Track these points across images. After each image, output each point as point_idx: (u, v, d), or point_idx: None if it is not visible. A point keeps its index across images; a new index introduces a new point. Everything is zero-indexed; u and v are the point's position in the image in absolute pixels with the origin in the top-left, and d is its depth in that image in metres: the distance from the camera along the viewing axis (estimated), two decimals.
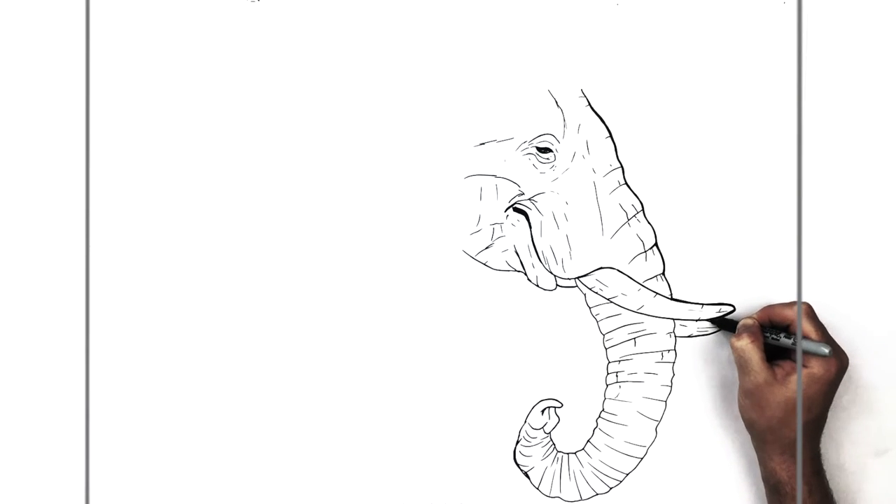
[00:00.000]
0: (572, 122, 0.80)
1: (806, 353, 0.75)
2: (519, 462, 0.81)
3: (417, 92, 0.79)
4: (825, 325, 0.77)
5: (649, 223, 0.81)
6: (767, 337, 0.77)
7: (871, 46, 0.81)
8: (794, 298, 0.80)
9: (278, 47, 0.79)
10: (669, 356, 0.81)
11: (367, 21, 0.79)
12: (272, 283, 0.80)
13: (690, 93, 0.80)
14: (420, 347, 0.80)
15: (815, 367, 0.74)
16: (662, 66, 0.80)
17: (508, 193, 0.80)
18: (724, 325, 0.80)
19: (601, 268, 0.80)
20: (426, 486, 0.81)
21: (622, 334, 0.81)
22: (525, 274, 0.80)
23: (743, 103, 0.81)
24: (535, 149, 0.80)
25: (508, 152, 0.80)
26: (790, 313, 0.77)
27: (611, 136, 0.80)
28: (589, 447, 0.81)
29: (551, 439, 0.81)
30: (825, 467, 0.77)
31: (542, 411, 0.81)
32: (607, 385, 0.81)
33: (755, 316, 0.78)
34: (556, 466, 0.81)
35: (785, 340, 0.76)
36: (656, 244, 0.81)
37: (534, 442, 0.81)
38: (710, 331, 0.81)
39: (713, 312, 0.80)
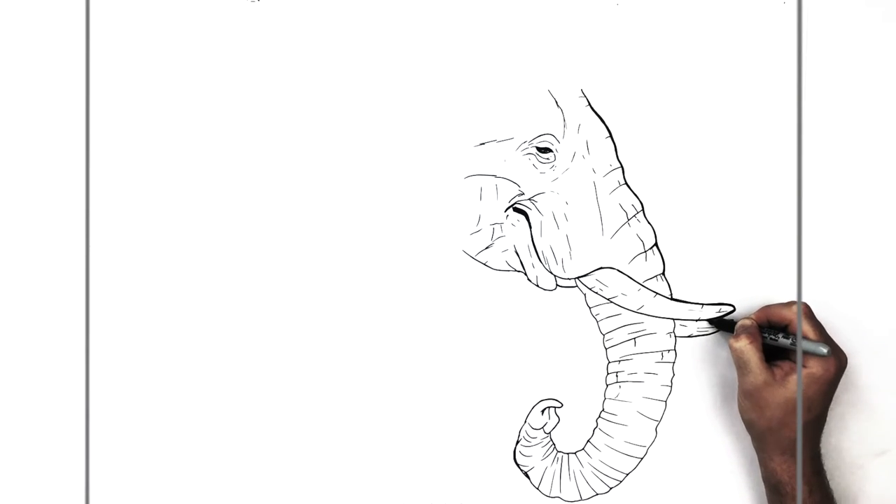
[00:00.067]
0: (572, 122, 0.80)
1: (805, 353, 0.75)
2: (519, 462, 0.81)
3: (417, 92, 0.79)
4: (824, 325, 0.77)
5: (649, 223, 0.81)
6: (766, 337, 0.77)
7: (871, 46, 0.81)
8: (794, 298, 0.80)
9: (278, 47, 0.79)
10: (669, 356, 0.81)
11: (367, 21, 0.79)
12: (272, 283, 0.80)
13: (690, 93, 0.80)
14: (420, 347, 0.80)
15: (814, 367, 0.74)
16: (662, 66, 0.80)
17: (508, 193, 0.80)
18: (723, 325, 0.80)
19: (601, 268, 0.80)
20: (426, 486, 0.81)
21: (622, 334, 0.81)
22: (525, 274, 0.80)
23: (743, 103, 0.81)
24: (535, 149, 0.80)
25: (508, 152, 0.80)
26: (788, 313, 0.77)
27: (611, 136, 0.80)
28: (589, 447, 0.81)
29: (551, 439, 0.81)
30: (825, 467, 0.77)
31: (542, 411, 0.81)
32: (607, 385, 0.81)
33: (753, 316, 0.78)
34: (556, 466, 0.81)
35: (783, 341, 0.76)
36: (656, 244, 0.81)
37: (534, 442, 0.81)
38: (710, 331, 0.81)
39: (713, 312, 0.80)
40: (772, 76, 0.81)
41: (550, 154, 0.80)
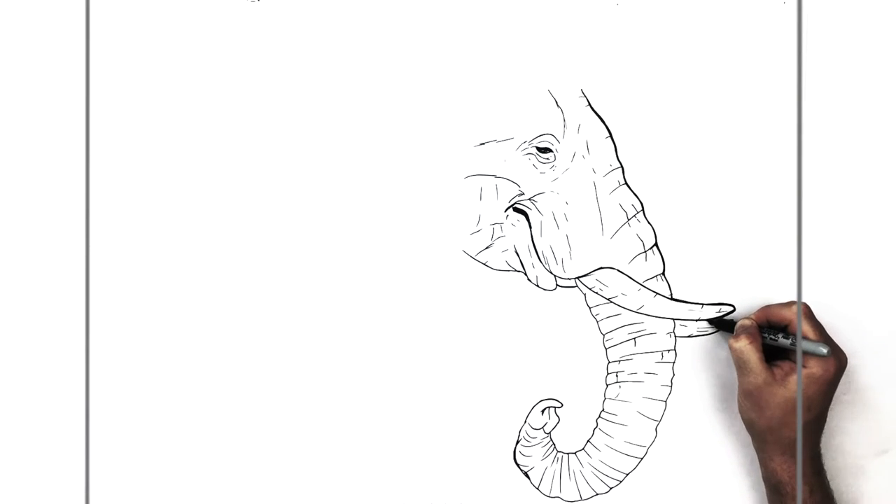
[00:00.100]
0: (572, 122, 0.80)
1: (805, 353, 0.75)
2: (519, 462, 0.81)
3: (417, 92, 0.79)
4: (824, 325, 0.77)
5: (649, 223, 0.81)
6: (766, 337, 0.77)
7: (871, 46, 0.81)
8: (793, 298, 0.80)
9: (278, 47, 0.79)
10: (669, 356, 0.81)
11: (367, 21, 0.79)
12: (272, 284, 0.80)
13: (690, 93, 0.80)
14: (420, 347, 0.80)
15: (814, 367, 0.74)
16: (662, 66, 0.80)
17: (508, 193, 0.80)
18: (723, 325, 0.80)
19: (601, 268, 0.80)
20: (426, 486, 0.81)
21: (622, 334, 0.81)
22: (525, 274, 0.80)
23: (743, 103, 0.81)
24: (535, 149, 0.80)
25: (508, 152, 0.80)
26: (788, 313, 0.77)
27: (611, 136, 0.80)
28: (589, 447, 0.81)
29: (551, 439, 0.81)
30: (825, 467, 0.77)
31: (542, 411, 0.81)
32: (607, 385, 0.81)
33: (753, 316, 0.78)
34: (556, 466, 0.81)
35: (783, 341, 0.76)
36: (656, 244, 0.81)
37: (534, 442, 0.81)
38: (710, 331, 0.81)
39: (713, 312, 0.80)
40: (772, 76, 0.81)
41: (550, 154, 0.80)
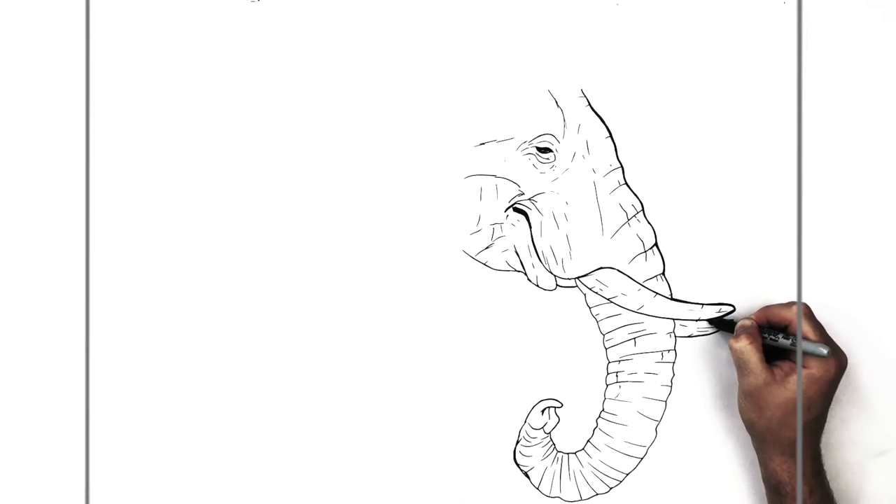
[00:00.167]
0: (572, 122, 0.80)
1: (805, 353, 0.75)
2: (519, 462, 0.81)
3: (418, 92, 0.79)
4: (824, 326, 0.77)
5: (649, 223, 0.81)
6: (766, 338, 0.77)
7: (871, 46, 0.81)
8: (794, 298, 0.80)
9: (278, 47, 0.79)
10: (669, 356, 0.81)
11: (367, 21, 0.79)
12: (272, 284, 0.80)
13: (690, 93, 0.80)
14: (420, 348, 0.80)
15: (814, 368, 0.74)
16: (662, 66, 0.80)
17: (508, 193, 0.80)
18: (723, 325, 0.80)
19: (601, 268, 0.80)
20: (426, 486, 0.81)
21: (622, 334, 0.81)
22: (525, 274, 0.80)
23: (743, 103, 0.81)
24: (535, 149, 0.80)
25: (508, 152, 0.80)
26: (788, 314, 0.77)
27: (611, 136, 0.80)
28: (589, 447, 0.81)
29: (551, 439, 0.81)
30: (825, 467, 0.77)
31: (542, 411, 0.81)
32: (607, 385, 0.81)
33: (753, 316, 0.78)
34: (556, 466, 0.81)
35: (783, 341, 0.76)
36: (656, 244, 0.81)
37: (534, 442, 0.81)
38: (710, 331, 0.81)
39: (713, 312, 0.80)
40: (772, 76, 0.81)
41: (550, 154, 0.80)
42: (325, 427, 0.80)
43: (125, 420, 0.80)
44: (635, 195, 0.80)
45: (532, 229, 0.80)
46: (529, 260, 0.80)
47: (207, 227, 0.79)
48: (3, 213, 0.79)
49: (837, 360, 0.75)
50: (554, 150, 0.80)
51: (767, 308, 0.78)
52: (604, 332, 0.81)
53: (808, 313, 0.77)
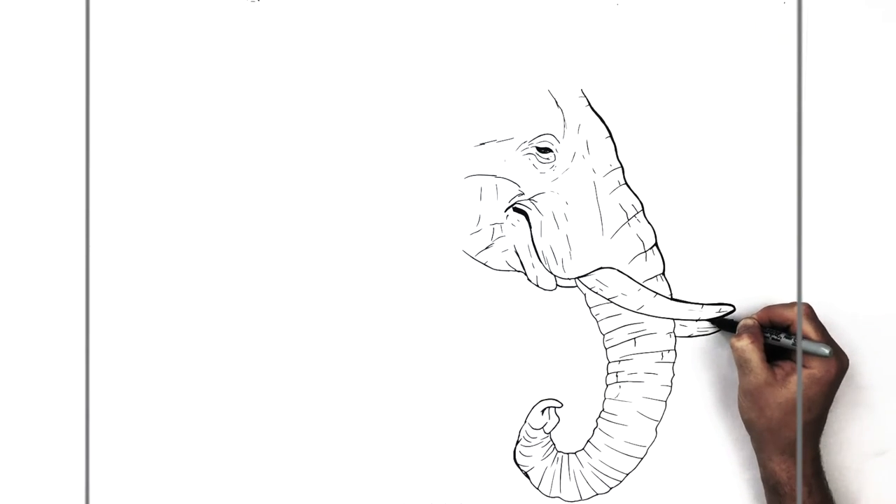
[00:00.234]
0: (572, 122, 0.80)
1: (806, 353, 0.75)
2: (519, 462, 0.81)
3: (418, 92, 0.79)
4: (826, 326, 0.77)
5: (649, 223, 0.81)
6: (767, 337, 0.77)
7: (871, 46, 0.81)
8: (794, 298, 0.80)
9: (278, 47, 0.79)
10: (669, 356, 0.81)
11: (367, 21, 0.79)
12: (272, 284, 0.80)
13: (690, 93, 0.80)
14: (420, 348, 0.80)
15: (816, 368, 0.74)
16: (662, 66, 0.80)
17: (508, 193, 0.80)
18: (724, 325, 0.80)
19: (601, 268, 0.80)
20: (426, 486, 0.81)
21: (622, 334, 0.81)
22: (525, 274, 0.80)
23: (743, 103, 0.81)
24: (535, 149, 0.80)
25: (508, 152, 0.80)
26: (790, 314, 0.77)
27: (611, 136, 0.80)
28: (589, 447, 0.81)
29: (551, 439, 0.81)
30: (825, 468, 0.77)
31: (542, 411, 0.81)
32: (607, 385, 0.81)
33: (755, 316, 0.78)
34: (556, 466, 0.81)
35: (785, 341, 0.76)
36: (656, 244, 0.81)
37: (534, 442, 0.81)
38: (710, 331, 0.81)
39: (713, 312, 0.80)
40: (772, 76, 0.81)
41: (550, 154, 0.80)
42: (326, 427, 0.80)
43: (125, 420, 0.80)
44: (635, 195, 0.80)
45: (532, 229, 0.80)
46: (529, 260, 0.80)
47: (207, 227, 0.79)
48: (3, 213, 0.79)
49: (839, 361, 0.75)
50: (554, 150, 0.80)
51: (770, 308, 0.78)
52: (604, 332, 0.81)
53: (811, 313, 0.77)
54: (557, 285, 0.81)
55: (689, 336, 0.81)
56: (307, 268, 0.80)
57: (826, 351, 0.74)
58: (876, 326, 0.82)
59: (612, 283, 0.80)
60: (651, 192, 0.80)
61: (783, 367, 0.75)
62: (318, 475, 0.80)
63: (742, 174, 0.81)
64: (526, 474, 0.81)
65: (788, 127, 0.81)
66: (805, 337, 0.75)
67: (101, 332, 0.79)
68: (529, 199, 0.80)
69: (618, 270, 0.80)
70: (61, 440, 0.79)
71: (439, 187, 0.80)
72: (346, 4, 0.79)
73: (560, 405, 0.81)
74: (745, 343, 0.75)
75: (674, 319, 0.80)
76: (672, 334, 0.81)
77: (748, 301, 0.80)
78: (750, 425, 0.77)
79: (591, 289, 0.80)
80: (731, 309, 0.80)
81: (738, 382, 0.77)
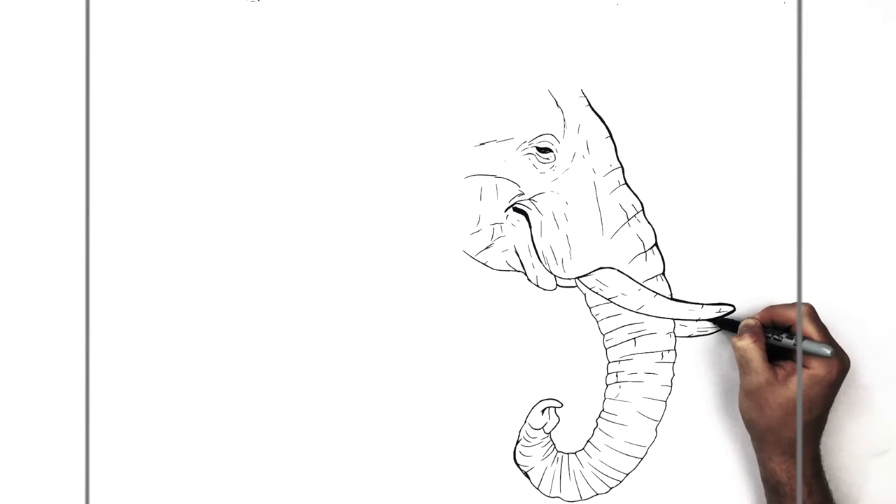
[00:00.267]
0: (572, 122, 0.80)
1: (808, 353, 0.75)
2: (519, 462, 0.81)
3: (418, 92, 0.79)
4: (827, 326, 0.77)
5: (649, 223, 0.81)
6: (769, 337, 0.77)
7: (871, 46, 0.81)
8: (795, 299, 0.80)
9: (278, 47, 0.79)
10: (669, 356, 0.81)
11: (367, 21, 0.79)
12: (272, 284, 0.80)
13: (690, 93, 0.80)
14: (420, 348, 0.80)
15: (817, 369, 0.74)
16: (662, 66, 0.80)
17: (508, 193, 0.80)
18: (726, 324, 0.80)
19: (601, 268, 0.80)
20: (426, 486, 0.81)
21: (622, 334, 0.81)
22: (525, 274, 0.80)
23: (743, 103, 0.81)
24: (535, 149, 0.80)
25: (508, 152, 0.80)
26: (792, 314, 0.77)
27: (611, 136, 0.80)
28: (589, 447, 0.81)
29: (551, 439, 0.81)
30: (825, 468, 0.77)
31: (542, 411, 0.81)
32: (607, 385, 0.81)
33: (757, 316, 0.78)
34: (556, 466, 0.81)
35: (787, 341, 0.76)
36: (656, 244, 0.81)
37: (534, 442, 0.81)
38: (711, 331, 0.81)
39: (713, 312, 0.80)
40: (772, 76, 0.81)
41: (550, 154, 0.80)
42: (326, 427, 0.80)
43: (125, 420, 0.80)
44: (635, 195, 0.80)
45: (532, 229, 0.80)
46: (529, 260, 0.80)
47: (207, 227, 0.79)
48: (3, 213, 0.79)
49: (840, 362, 0.75)
50: (554, 150, 0.80)
51: (772, 308, 0.78)
52: (604, 332, 0.81)
53: (813, 314, 0.76)
54: (557, 285, 0.81)
55: (690, 336, 0.81)
56: (307, 268, 0.80)
57: (827, 351, 0.74)
58: (876, 326, 0.82)
59: (612, 283, 0.80)
60: (651, 192, 0.80)
61: (784, 367, 0.75)
62: (319, 475, 0.80)
63: (742, 174, 0.81)
64: (526, 474, 0.81)
65: (788, 127, 0.81)
66: (807, 337, 0.75)
67: (101, 332, 0.79)
68: (529, 199, 0.80)
69: (618, 270, 0.80)
70: (61, 440, 0.79)
71: (439, 187, 0.80)
72: (346, 4, 0.79)
73: (560, 405, 0.81)
74: (746, 343, 0.75)
75: (674, 319, 0.80)
76: (672, 334, 0.81)
77: (748, 301, 0.80)
78: (750, 425, 0.77)
79: (591, 289, 0.80)
80: (731, 309, 0.80)
81: (738, 382, 0.77)
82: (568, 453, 0.81)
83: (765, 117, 0.81)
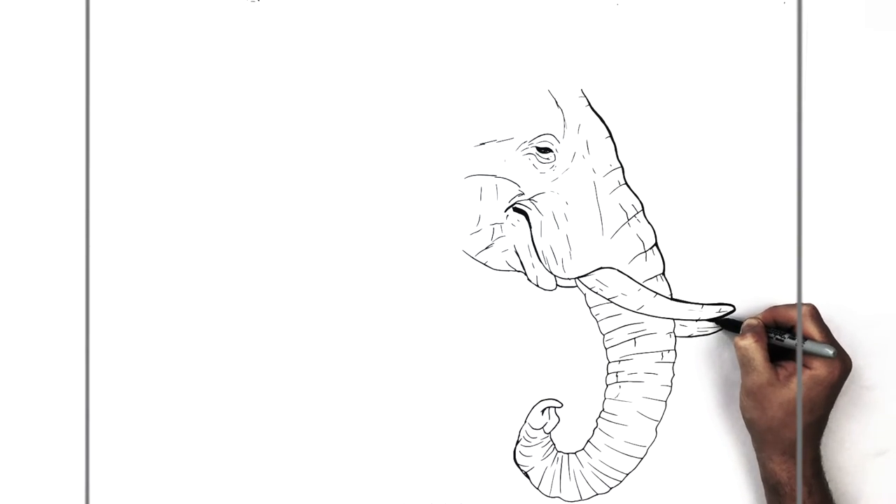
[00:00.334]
0: (572, 122, 0.80)
1: (810, 354, 0.75)
2: (519, 462, 0.81)
3: (418, 92, 0.79)
4: (829, 327, 0.77)
5: (649, 223, 0.80)
6: (771, 337, 0.77)
7: (871, 47, 0.81)
8: (794, 299, 0.80)
9: (278, 47, 0.79)
10: (669, 356, 0.81)
11: (367, 21, 0.79)
12: (272, 284, 0.80)
13: (690, 93, 0.80)
14: (420, 348, 0.80)
15: (819, 369, 0.74)
16: (662, 66, 0.80)
17: (508, 193, 0.80)
18: (727, 324, 0.80)
19: (601, 268, 0.80)
20: (426, 486, 0.81)
21: (622, 334, 0.81)
22: (525, 274, 0.80)
23: (743, 103, 0.81)
24: (535, 149, 0.80)
25: (508, 152, 0.80)
26: (795, 314, 0.77)
27: (611, 136, 0.80)
28: (589, 447, 0.81)
29: (551, 439, 0.81)
30: (825, 468, 0.77)
31: (542, 411, 0.81)
32: (607, 385, 0.81)
33: (760, 316, 0.78)
34: (556, 466, 0.81)
35: (789, 341, 0.76)
36: (656, 244, 0.81)
37: (534, 442, 0.81)
38: (711, 331, 0.81)
39: (713, 312, 0.80)
40: (772, 76, 0.81)
41: (550, 154, 0.80)
42: (326, 427, 0.80)
43: (125, 420, 0.80)
44: (635, 195, 0.80)
45: (532, 229, 0.80)
46: (529, 260, 0.80)
47: (207, 227, 0.79)
48: (3, 213, 0.79)
49: (842, 363, 0.75)
50: (554, 150, 0.80)
51: (774, 308, 0.78)
52: (604, 332, 0.81)
53: (815, 314, 0.76)
54: (557, 285, 0.81)
55: (690, 336, 0.81)
56: (307, 268, 0.80)
57: (829, 352, 0.74)
58: (876, 326, 0.82)
59: (612, 283, 0.80)
60: (651, 192, 0.80)
61: (786, 367, 0.75)
62: (319, 475, 0.80)
63: (742, 174, 0.81)
64: (526, 474, 0.81)
65: (788, 127, 0.81)
66: (809, 338, 0.75)
67: (101, 332, 0.79)
68: (529, 199, 0.80)
69: (618, 270, 0.80)
70: (61, 440, 0.79)
71: (439, 187, 0.80)
72: (346, 4, 0.79)
73: (560, 405, 0.81)
74: (748, 342, 0.75)
75: (674, 319, 0.80)
76: (672, 334, 0.81)
77: (748, 301, 0.80)
78: (751, 425, 0.77)
79: (591, 289, 0.80)
80: (731, 309, 0.80)
81: (738, 382, 0.77)
82: (568, 453, 0.81)
83: (765, 117, 0.81)
